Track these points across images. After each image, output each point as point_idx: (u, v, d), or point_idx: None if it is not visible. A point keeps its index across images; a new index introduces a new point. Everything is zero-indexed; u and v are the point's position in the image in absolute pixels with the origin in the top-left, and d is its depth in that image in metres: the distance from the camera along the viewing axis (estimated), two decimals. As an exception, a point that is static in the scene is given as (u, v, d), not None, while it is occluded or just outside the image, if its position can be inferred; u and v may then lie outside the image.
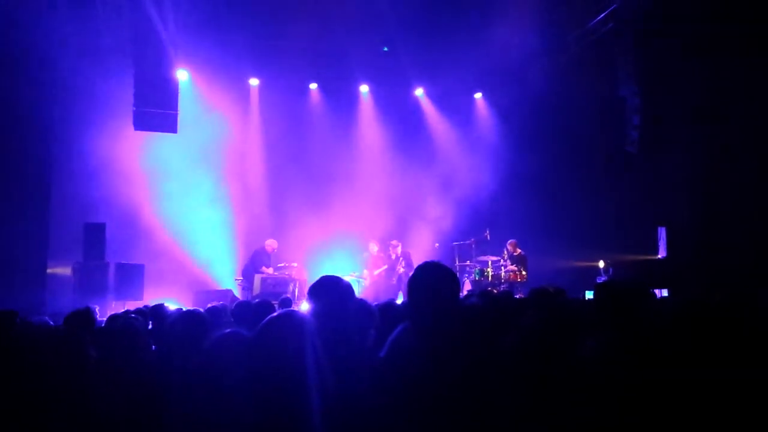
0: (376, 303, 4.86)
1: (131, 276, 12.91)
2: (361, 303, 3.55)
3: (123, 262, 13.08)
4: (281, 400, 2.56)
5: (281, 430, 2.55)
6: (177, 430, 3.15)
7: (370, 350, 3.29)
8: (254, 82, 15.87)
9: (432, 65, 15.51)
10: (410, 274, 3.16)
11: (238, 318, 5.39)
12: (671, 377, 2.99)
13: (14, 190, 12.12)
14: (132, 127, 12.85)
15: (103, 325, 5.71)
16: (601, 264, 14.39)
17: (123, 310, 8.18)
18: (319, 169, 16.04)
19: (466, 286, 13.98)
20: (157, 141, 13.63)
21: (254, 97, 15.97)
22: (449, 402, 2.66)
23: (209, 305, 6.15)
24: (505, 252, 14.41)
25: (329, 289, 3.17)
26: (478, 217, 15.42)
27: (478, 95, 17.03)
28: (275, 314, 2.83)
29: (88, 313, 5.08)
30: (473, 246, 14.90)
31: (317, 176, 15.99)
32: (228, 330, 3.25)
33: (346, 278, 3.39)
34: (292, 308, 5.52)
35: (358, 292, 9.90)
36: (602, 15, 13.50)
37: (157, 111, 12.72)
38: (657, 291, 11.13)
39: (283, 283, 13.57)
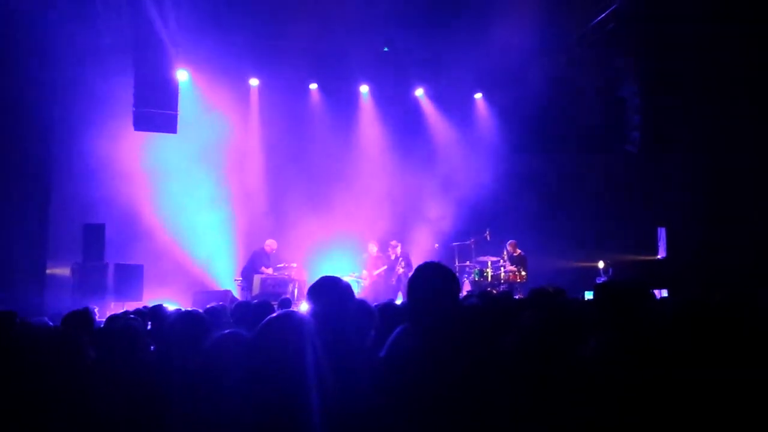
0: (375, 303, 4.86)
1: (130, 276, 12.92)
2: (361, 303, 3.55)
3: (122, 262, 13.08)
4: (281, 401, 2.55)
5: (281, 430, 2.54)
6: (176, 430, 3.15)
7: (370, 350, 3.29)
8: (254, 82, 15.86)
9: (432, 65, 15.51)
10: (410, 274, 3.16)
11: (237, 319, 5.39)
12: (671, 377, 2.99)
13: (14, 190, 12.12)
14: (132, 128, 12.84)
15: (102, 325, 5.71)
16: (601, 264, 14.41)
17: (122, 311, 8.17)
18: (318, 169, 16.02)
19: (466, 287, 13.97)
20: (157, 141, 13.61)
21: (254, 97, 15.95)
22: (449, 402, 2.66)
23: (208, 306, 6.14)
24: (505, 252, 14.42)
25: (329, 290, 3.17)
26: (478, 217, 15.40)
27: (478, 95, 17.02)
28: (275, 315, 2.83)
29: (86, 314, 5.08)
30: (473, 246, 14.89)
31: (317, 176, 15.98)
32: (227, 330, 3.24)
33: (346, 279, 3.39)
34: (291, 309, 5.51)
35: (357, 292, 9.90)
36: (602, 15, 13.50)
37: (156, 111, 12.70)
38: (656, 291, 11.13)
39: (283, 283, 13.56)
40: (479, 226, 15.05)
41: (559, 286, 5.86)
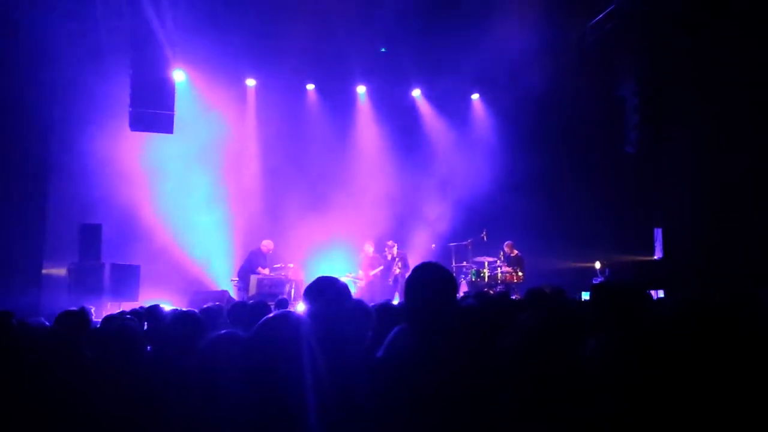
0: (372, 304, 4.85)
1: (127, 277, 12.89)
2: (358, 304, 3.54)
3: (119, 262, 13.05)
4: (277, 401, 2.54)
5: (277, 430, 2.53)
6: (173, 430, 3.14)
7: (367, 351, 3.28)
8: (251, 82, 15.85)
9: (429, 66, 15.50)
10: (407, 274, 3.16)
11: (233, 319, 5.37)
12: (671, 377, 2.98)
13: (11, 190, 12.10)
14: (129, 128, 12.82)
15: (98, 325, 5.69)
16: (598, 265, 14.44)
17: (118, 311, 8.15)
18: (315, 169, 16.02)
19: (463, 287, 14.00)
20: (154, 141, 13.60)
21: (251, 97, 15.94)
22: (447, 403, 2.65)
23: (205, 306, 6.12)
24: (502, 253, 14.44)
25: (325, 290, 3.16)
26: (475, 217, 15.42)
27: (475, 96, 17.04)
28: (271, 315, 2.81)
29: (82, 314, 5.06)
30: (470, 247, 14.91)
31: (314, 177, 15.97)
32: (224, 331, 3.23)
33: (343, 279, 3.38)
34: (288, 309, 5.50)
35: (353, 292, 9.88)
36: (602, 15, 13.52)
37: (153, 111, 12.69)
38: (653, 292, 11.14)
39: (280, 283, 13.55)
40: (476, 226, 15.06)
41: (556, 286, 5.86)
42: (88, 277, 12.50)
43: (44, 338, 4.60)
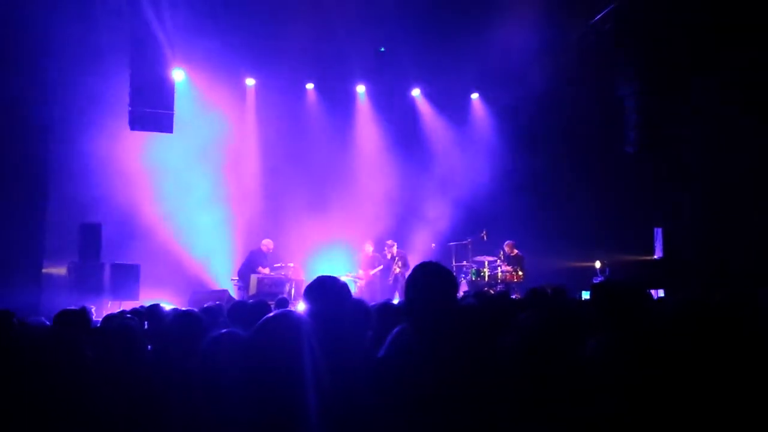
0: (372, 303, 4.85)
1: (127, 276, 12.88)
2: (358, 303, 3.54)
3: (119, 262, 13.04)
4: (278, 400, 2.54)
5: (278, 430, 2.53)
6: (173, 429, 3.14)
7: (367, 350, 3.28)
8: (250, 81, 15.85)
9: (429, 65, 15.50)
10: (407, 274, 3.16)
11: (234, 318, 5.37)
12: (671, 377, 2.98)
13: (11, 189, 12.10)
14: (128, 127, 12.83)
15: (98, 325, 5.69)
16: (598, 264, 14.43)
17: (119, 311, 8.15)
18: (315, 169, 16.02)
19: (463, 287, 13.99)
20: (154, 141, 13.60)
21: (251, 96, 15.95)
22: (447, 402, 2.65)
23: (205, 305, 6.13)
24: (502, 252, 14.44)
25: (325, 290, 3.17)
26: (475, 217, 15.42)
27: (474, 95, 17.05)
28: (271, 314, 2.82)
29: (83, 313, 5.06)
30: (470, 246, 14.91)
31: (314, 176, 15.97)
32: (224, 330, 3.23)
33: (343, 278, 3.38)
34: (288, 308, 5.50)
35: (353, 292, 9.90)
36: (602, 14, 13.52)
37: (152, 111, 12.70)
38: (653, 292, 11.13)
39: (280, 283, 13.55)
40: (476, 225, 15.06)
41: (556, 285, 5.86)
42: (88, 276, 12.49)
43: (45, 338, 4.60)
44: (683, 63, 13.27)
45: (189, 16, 12.95)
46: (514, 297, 9.42)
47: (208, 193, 14.51)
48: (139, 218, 13.71)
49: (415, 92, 16.83)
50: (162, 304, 6.43)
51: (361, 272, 14.81)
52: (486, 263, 14.27)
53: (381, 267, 14.85)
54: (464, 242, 15.03)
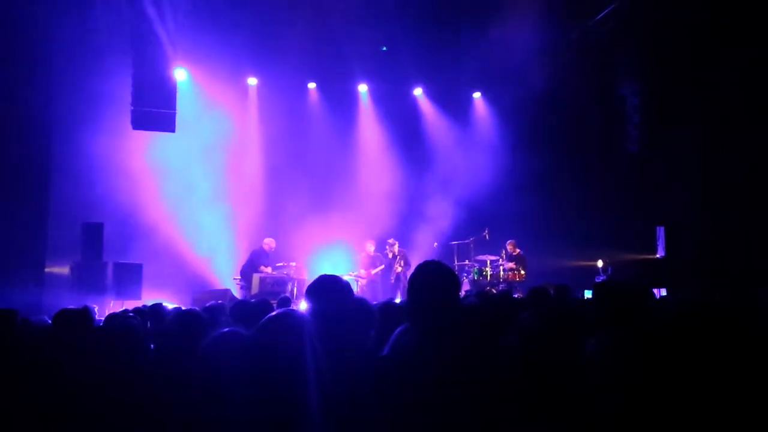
0: (374, 302, 4.86)
1: (129, 275, 12.88)
2: (360, 302, 3.55)
3: (121, 261, 13.06)
4: (280, 400, 2.55)
5: (280, 429, 2.54)
6: (175, 428, 3.15)
7: (369, 350, 3.28)
8: (253, 81, 15.87)
9: (431, 64, 15.50)
10: (408, 273, 3.17)
11: (236, 317, 5.38)
12: (671, 377, 2.99)
13: (13, 188, 12.12)
14: (131, 126, 12.85)
15: (101, 324, 5.70)
16: (600, 263, 14.43)
17: (121, 310, 8.16)
18: (317, 168, 16.03)
19: (465, 286, 13.99)
20: (156, 140, 13.63)
21: (253, 96, 15.96)
22: (449, 402, 2.66)
23: (207, 304, 6.13)
24: (504, 251, 14.43)
25: (328, 289, 3.17)
26: (477, 216, 15.42)
27: (476, 95, 17.05)
28: (273, 313, 2.82)
29: (85, 312, 5.07)
30: (472, 245, 14.92)
31: (316, 175, 15.98)
32: (226, 329, 3.24)
33: (345, 278, 3.38)
34: (290, 308, 5.51)
35: (355, 291, 9.88)
36: (602, 14, 13.51)
37: (155, 110, 12.72)
38: (655, 290, 11.14)
39: (282, 282, 13.54)
40: (478, 225, 15.07)
41: (560, 284, 5.87)
42: (90, 275, 12.51)
43: (47, 336, 4.62)
44: (683, 63, 13.27)
45: (191, 15, 12.98)
46: (516, 296, 9.44)
47: (211, 193, 14.52)
48: (142, 217, 13.72)
49: (417, 91, 16.84)
50: (164, 304, 6.44)
51: (362, 271, 14.81)
52: (488, 262, 14.28)
53: (382, 266, 14.85)
54: (466, 241, 15.05)
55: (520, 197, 15.26)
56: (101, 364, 3.83)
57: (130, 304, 10.59)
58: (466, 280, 14.32)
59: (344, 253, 15.30)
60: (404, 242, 15.27)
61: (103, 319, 6.34)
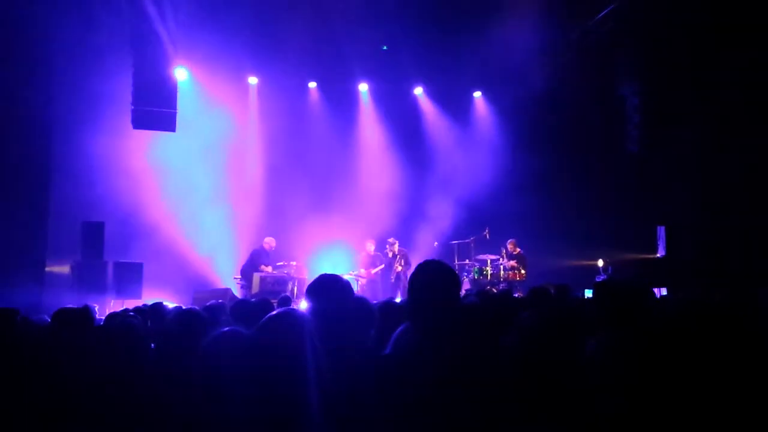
0: (375, 302, 4.87)
1: (130, 274, 12.89)
2: (360, 301, 3.55)
3: (122, 260, 13.06)
4: (280, 399, 2.55)
5: (280, 428, 2.54)
6: (176, 428, 3.15)
7: (370, 349, 3.29)
8: (253, 80, 15.87)
9: (431, 64, 15.50)
10: (409, 272, 3.17)
11: (236, 316, 5.38)
12: (671, 377, 2.99)
13: (14, 188, 12.12)
14: (131, 126, 12.86)
15: (101, 323, 5.71)
16: (600, 263, 14.44)
17: (122, 309, 8.17)
18: (318, 167, 16.03)
19: (465, 285, 13.99)
20: (157, 140, 13.63)
21: (253, 95, 15.97)
22: (449, 401, 2.66)
23: (208, 304, 6.13)
24: (504, 251, 14.43)
25: (328, 288, 3.17)
26: (478, 215, 15.42)
27: (477, 94, 17.05)
28: (274, 312, 2.82)
29: (86, 312, 5.07)
30: (472, 245, 14.92)
31: (316, 175, 15.98)
32: (227, 328, 3.24)
33: (345, 277, 3.39)
34: (291, 307, 5.51)
35: (355, 290, 9.89)
36: (602, 15, 13.52)
37: (155, 110, 12.73)
38: (656, 290, 11.15)
39: (282, 281, 13.55)
40: (479, 224, 15.07)
41: (560, 283, 5.87)
42: (91, 275, 12.51)
43: (47, 336, 4.62)
44: (683, 63, 13.27)
45: (192, 15, 12.98)
46: (516, 295, 9.44)
47: (211, 192, 14.52)
48: (142, 217, 13.72)
49: (418, 91, 16.84)
50: (165, 303, 6.44)
51: (362, 271, 14.81)
52: (489, 262, 14.28)
53: (383, 266, 14.85)
54: (467, 241, 15.05)
55: (521, 197, 15.25)
56: (101, 363, 3.83)
57: (131, 304, 10.60)
58: (466, 280, 14.31)
59: (344, 252, 15.30)
60: (404, 242, 15.27)
61: (103, 318, 6.35)
